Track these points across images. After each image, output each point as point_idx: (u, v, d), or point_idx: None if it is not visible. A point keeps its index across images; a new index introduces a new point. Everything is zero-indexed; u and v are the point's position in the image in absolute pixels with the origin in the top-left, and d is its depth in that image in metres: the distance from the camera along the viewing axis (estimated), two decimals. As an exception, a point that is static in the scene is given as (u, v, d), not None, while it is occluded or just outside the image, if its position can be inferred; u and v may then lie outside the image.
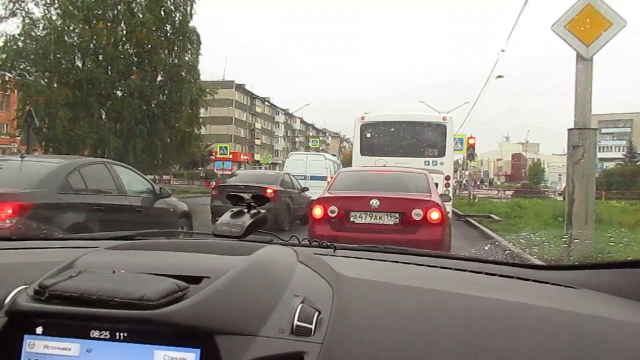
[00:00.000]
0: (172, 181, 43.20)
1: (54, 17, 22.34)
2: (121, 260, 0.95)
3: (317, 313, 0.81)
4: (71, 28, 22.39)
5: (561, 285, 1.10)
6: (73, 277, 0.81)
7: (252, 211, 1.26)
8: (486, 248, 1.57)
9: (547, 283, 1.12)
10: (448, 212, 6.93)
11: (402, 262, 1.26)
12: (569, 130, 5.52)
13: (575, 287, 1.10)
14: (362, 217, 6.34)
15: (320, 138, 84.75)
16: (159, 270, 0.86)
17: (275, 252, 1.02)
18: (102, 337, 0.76)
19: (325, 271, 0.99)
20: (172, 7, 24.58)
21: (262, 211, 1.28)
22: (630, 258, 1.22)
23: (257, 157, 76.80)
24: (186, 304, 0.75)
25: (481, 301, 0.94)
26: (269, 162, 71.90)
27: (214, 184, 16.05)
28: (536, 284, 1.12)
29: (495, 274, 1.17)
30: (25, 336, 0.78)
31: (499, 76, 22.75)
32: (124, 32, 23.66)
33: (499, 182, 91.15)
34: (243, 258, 0.91)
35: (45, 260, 1.07)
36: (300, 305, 0.81)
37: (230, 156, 39.27)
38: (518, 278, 1.15)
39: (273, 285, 0.87)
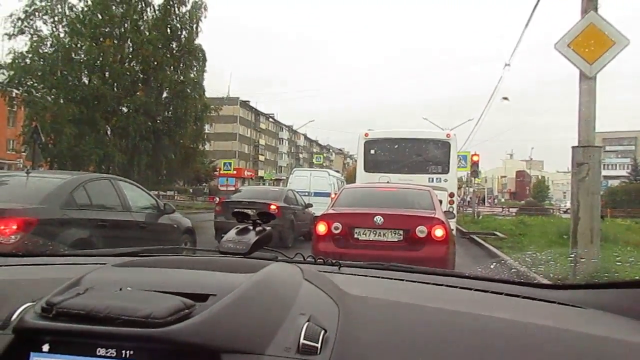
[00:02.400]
0: (175, 197, 43.26)
1: (62, 35, 22.65)
2: (128, 277, 0.96)
3: (323, 331, 0.81)
4: (78, 45, 22.68)
5: (567, 305, 1.10)
6: (80, 294, 0.81)
7: (258, 228, 1.26)
8: (492, 266, 1.57)
9: (553, 302, 1.12)
10: (452, 230, 6.90)
11: (407, 280, 1.26)
12: (573, 147, 5.51)
13: (581, 306, 1.09)
14: (366, 234, 6.31)
15: (324, 154, 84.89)
16: (166, 287, 0.86)
17: (280, 269, 1.02)
18: (108, 355, 0.76)
19: (330, 289, 0.99)
20: (178, 25, 24.92)
21: (268, 228, 1.28)
22: (637, 277, 1.21)
23: (261, 173, 76.88)
24: (193, 322, 0.75)
25: (487, 320, 0.94)
26: (273, 178, 71.96)
27: (218, 199, 16.08)
28: (542, 303, 1.12)
29: (501, 293, 1.17)
30: (32, 353, 0.78)
31: (505, 98, 22.35)
32: (131, 49, 23.95)
33: (503, 200, 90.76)
34: (249, 275, 0.91)
35: (51, 277, 1.07)
36: (307, 323, 0.81)
37: (234, 172, 39.35)
38: (524, 297, 1.14)
39: (279, 303, 0.87)
